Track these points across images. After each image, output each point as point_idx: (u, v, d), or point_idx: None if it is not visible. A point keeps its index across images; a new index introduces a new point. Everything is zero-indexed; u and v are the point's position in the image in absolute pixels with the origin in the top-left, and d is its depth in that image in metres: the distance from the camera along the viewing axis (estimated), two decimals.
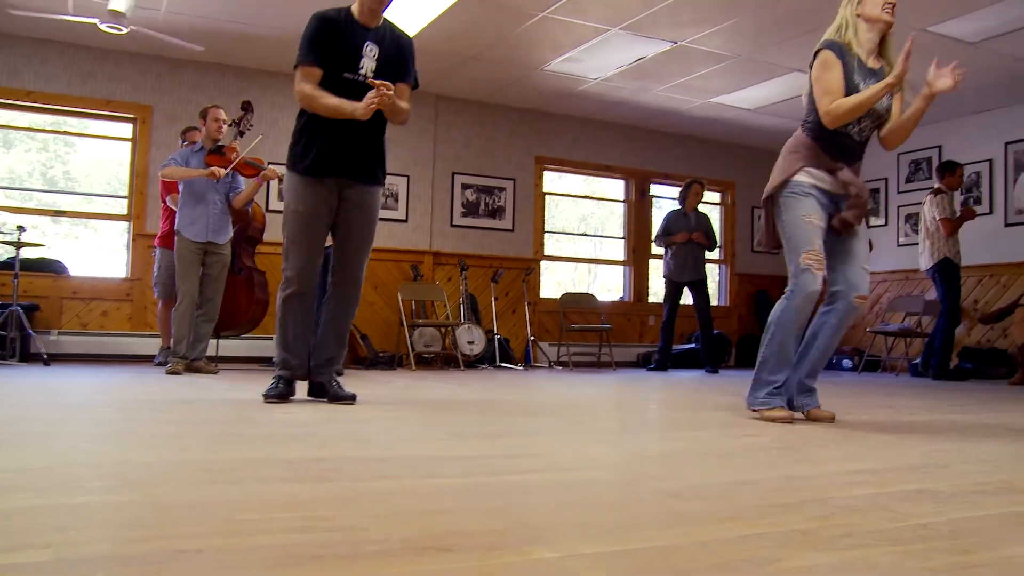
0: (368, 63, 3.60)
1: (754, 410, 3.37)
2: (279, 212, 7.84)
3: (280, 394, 3.71)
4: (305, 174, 3.61)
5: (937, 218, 7.57)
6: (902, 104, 3.37)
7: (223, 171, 5.94)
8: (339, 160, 3.62)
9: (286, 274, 3.68)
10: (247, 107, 6.32)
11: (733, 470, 2.06)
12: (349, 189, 3.68)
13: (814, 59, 3.30)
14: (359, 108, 3.44)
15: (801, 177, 3.30)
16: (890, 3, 3.22)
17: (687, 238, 8.24)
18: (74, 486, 1.66)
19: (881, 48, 3.36)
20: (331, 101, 3.49)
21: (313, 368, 3.84)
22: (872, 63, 3.31)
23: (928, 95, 3.25)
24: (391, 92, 3.42)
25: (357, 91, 3.55)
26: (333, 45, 3.55)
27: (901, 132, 3.34)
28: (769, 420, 3.25)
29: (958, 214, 7.61)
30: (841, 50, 3.24)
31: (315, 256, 3.70)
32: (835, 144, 3.28)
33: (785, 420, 3.22)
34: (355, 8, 3.62)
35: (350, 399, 3.75)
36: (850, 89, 3.20)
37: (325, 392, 3.79)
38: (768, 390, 3.33)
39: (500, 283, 9.01)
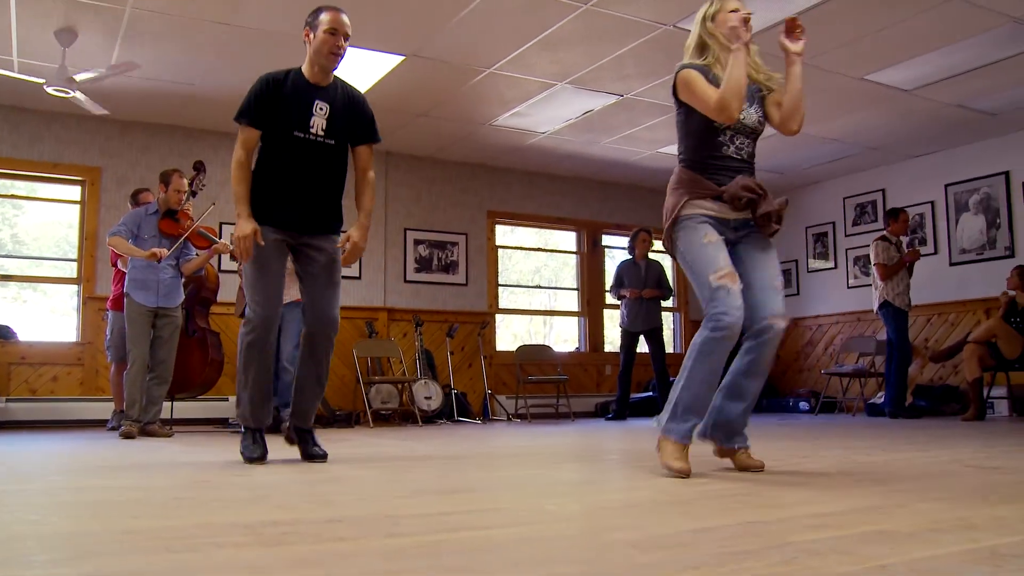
0: (318, 121, 3.62)
1: (663, 439, 3.01)
2: (231, 272, 7.84)
3: (262, 454, 3.68)
4: (268, 224, 3.60)
5: (874, 263, 7.88)
6: (779, 106, 3.18)
7: (165, 253, 5.88)
8: (290, 215, 3.63)
9: (247, 317, 3.63)
10: (199, 167, 6.30)
11: (693, 518, 2.06)
12: (305, 238, 3.68)
13: (675, 86, 3.14)
14: (244, 228, 3.53)
15: (688, 210, 3.09)
16: (743, 19, 3.03)
17: (637, 295, 8.32)
18: (19, 560, 1.61)
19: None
20: (240, 190, 3.61)
21: (294, 413, 3.82)
22: None
23: (791, 61, 3.10)
24: (351, 253, 3.69)
25: (309, 149, 3.60)
26: (279, 105, 3.58)
27: (793, 109, 3.15)
28: (665, 465, 2.94)
29: (903, 258, 7.83)
30: (702, 70, 3.09)
31: (274, 298, 3.64)
32: (715, 167, 3.09)
33: (681, 474, 2.88)
34: (305, 68, 3.65)
35: (322, 458, 3.72)
36: None
37: (304, 441, 3.78)
38: (680, 425, 2.99)
39: (455, 338, 8.99)
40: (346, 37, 3.62)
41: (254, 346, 3.61)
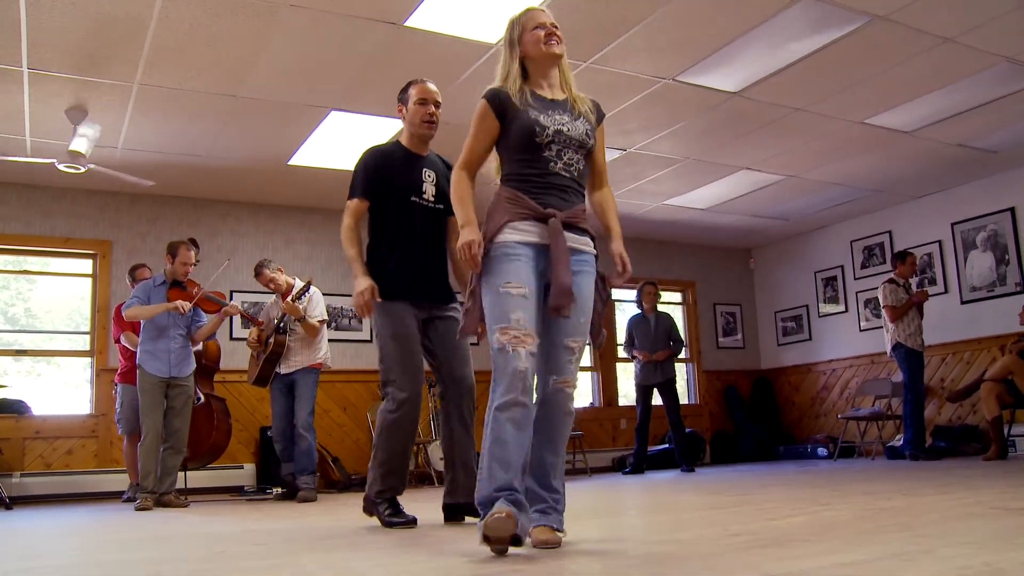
0: (428, 187, 3.74)
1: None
2: (243, 340, 7.86)
3: (409, 519, 3.61)
4: (391, 299, 3.62)
5: (883, 306, 7.92)
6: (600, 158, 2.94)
7: (188, 305, 5.96)
8: (421, 288, 3.67)
9: (392, 395, 3.57)
10: (193, 244, 6.37)
11: (716, 573, 2.04)
12: (434, 310, 3.71)
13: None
14: (362, 284, 3.56)
15: (504, 236, 2.69)
16: (549, 34, 2.82)
17: (649, 359, 8.28)
18: None
19: (560, 76, 2.92)
20: (352, 252, 3.66)
21: (459, 491, 3.71)
22: (556, 94, 2.88)
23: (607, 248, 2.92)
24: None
25: (423, 215, 3.70)
26: (392, 173, 3.70)
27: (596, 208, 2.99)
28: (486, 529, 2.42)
29: (911, 299, 7.84)
30: (503, 97, 2.79)
31: (420, 374, 3.60)
32: (538, 186, 2.75)
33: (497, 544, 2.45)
34: (404, 139, 3.82)
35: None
36: (529, 124, 2.73)
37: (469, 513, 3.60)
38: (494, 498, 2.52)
39: None
40: (437, 104, 3.74)
41: (398, 425, 3.56)
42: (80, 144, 6.15)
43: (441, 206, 3.74)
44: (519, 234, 2.69)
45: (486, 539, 2.42)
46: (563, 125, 2.78)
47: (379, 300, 3.58)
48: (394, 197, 3.66)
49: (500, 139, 2.83)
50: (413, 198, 3.67)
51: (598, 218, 3.01)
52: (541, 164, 2.76)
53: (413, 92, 3.75)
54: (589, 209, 2.93)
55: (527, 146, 2.75)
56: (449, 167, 3.81)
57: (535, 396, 2.71)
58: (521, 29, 2.86)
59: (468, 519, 3.61)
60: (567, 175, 2.79)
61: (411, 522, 3.57)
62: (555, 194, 2.76)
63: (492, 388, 2.60)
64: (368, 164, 3.72)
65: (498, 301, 2.63)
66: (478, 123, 2.81)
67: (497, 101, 2.79)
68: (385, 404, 3.60)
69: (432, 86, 3.77)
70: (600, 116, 2.96)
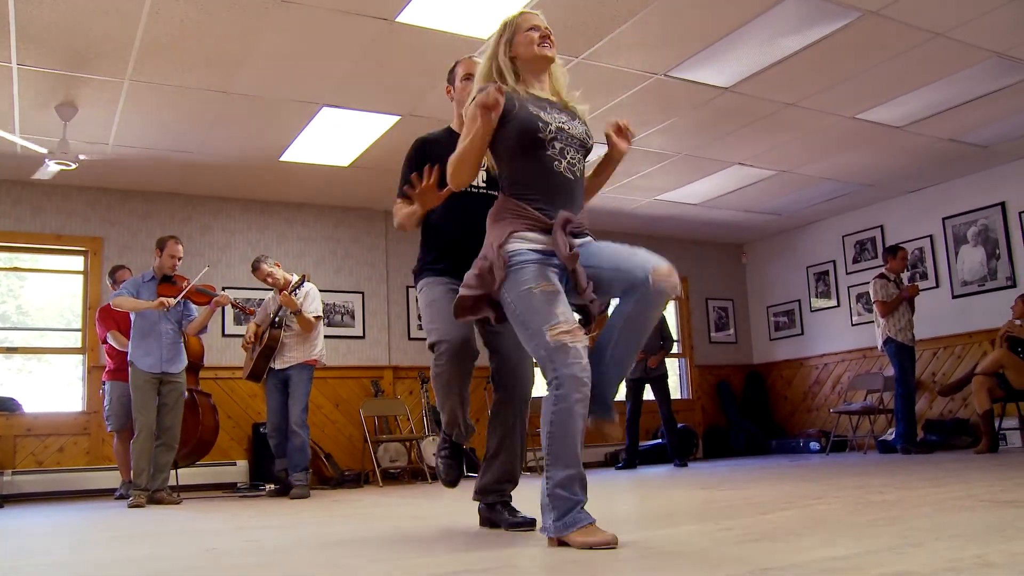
0: (481, 172, 3.43)
1: (558, 539, 2.46)
2: (236, 336, 7.86)
3: (456, 477, 3.40)
4: (440, 275, 3.33)
5: (873, 301, 7.96)
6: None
7: (172, 301, 5.95)
8: (464, 262, 3.22)
9: (437, 349, 3.19)
10: (176, 239, 6.33)
11: (709, 567, 2.04)
12: None
13: None
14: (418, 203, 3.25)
15: (512, 246, 2.65)
16: (543, 36, 2.80)
17: (642, 357, 8.20)
18: None
19: (550, 80, 2.89)
20: (401, 213, 3.38)
21: (496, 491, 3.31)
22: (546, 93, 2.85)
23: (613, 158, 2.93)
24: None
25: (475, 201, 3.35)
26: (438, 162, 3.30)
27: (591, 193, 2.96)
28: (584, 546, 2.38)
29: (901, 293, 7.86)
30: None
31: (451, 319, 3.02)
32: (542, 190, 2.69)
33: (607, 544, 2.37)
34: (455, 123, 3.52)
35: (531, 524, 3.13)
36: (531, 119, 2.67)
37: (507, 512, 3.26)
38: (568, 506, 2.46)
39: None
40: None
41: (440, 379, 3.23)
42: (47, 172, 6.14)
43: (494, 192, 3.23)
44: (526, 243, 2.64)
45: (589, 547, 2.38)
46: (563, 123, 2.73)
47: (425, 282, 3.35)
48: (441, 187, 3.27)
49: (497, 143, 2.72)
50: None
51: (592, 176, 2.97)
52: (543, 163, 2.68)
53: (459, 70, 3.47)
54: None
55: (529, 142, 2.67)
56: None
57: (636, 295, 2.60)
58: (515, 30, 2.82)
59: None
60: (570, 176, 2.72)
61: (453, 483, 3.40)
62: (560, 202, 2.68)
63: (554, 389, 2.51)
64: (410, 160, 3.44)
65: (534, 303, 2.55)
66: (471, 124, 2.66)
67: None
68: (432, 361, 3.27)
69: (478, 59, 3.30)
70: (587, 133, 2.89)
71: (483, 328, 3.11)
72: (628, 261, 2.61)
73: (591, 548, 2.36)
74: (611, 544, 2.37)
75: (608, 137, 2.91)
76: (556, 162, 2.69)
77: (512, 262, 2.61)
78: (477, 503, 3.34)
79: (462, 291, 2.73)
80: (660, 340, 8.39)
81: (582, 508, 2.47)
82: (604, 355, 2.70)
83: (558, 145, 2.70)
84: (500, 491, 3.28)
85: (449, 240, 3.37)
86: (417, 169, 3.28)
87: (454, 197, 3.25)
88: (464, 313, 2.75)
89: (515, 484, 3.31)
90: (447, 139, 3.38)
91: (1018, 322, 7.60)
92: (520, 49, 2.80)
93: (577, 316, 2.66)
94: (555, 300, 2.55)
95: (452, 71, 3.50)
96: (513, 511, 3.24)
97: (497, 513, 3.24)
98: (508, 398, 3.34)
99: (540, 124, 2.68)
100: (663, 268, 2.54)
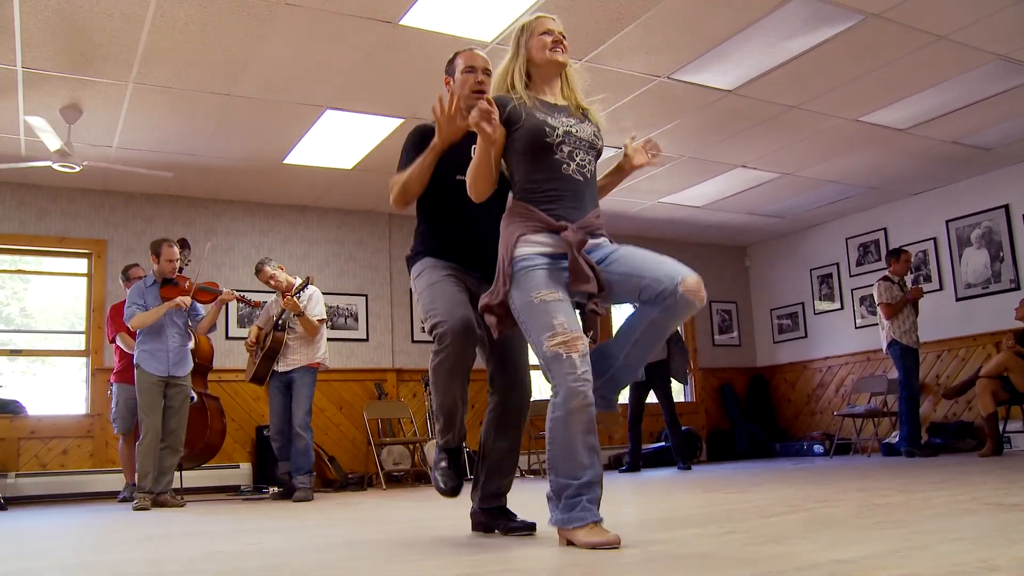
0: None
1: (566, 538, 2.55)
2: (239, 339, 7.86)
3: (456, 485, 3.19)
4: (438, 257, 3.21)
5: (877, 303, 7.94)
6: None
7: (188, 300, 5.97)
8: (472, 260, 3.18)
9: (438, 335, 3.01)
10: (184, 244, 6.36)
11: (713, 571, 2.04)
12: (486, 287, 3.02)
13: None
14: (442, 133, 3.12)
15: (521, 250, 2.67)
16: (555, 41, 2.82)
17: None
18: None
19: (563, 84, 2.94)
20: (408, 171, 3.25)
21: (492, 496, 3.24)
22: (559, 100, 2.88)
23: (623, 169, 2.96)
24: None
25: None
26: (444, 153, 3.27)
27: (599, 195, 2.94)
28: (587, 546, 2.44)
29: (906, 295, 7.86)
30: (507, 103, 2.76)
31: (457, 303, 3.01)
32: (551, 192, 2.71)
33: (610, 545, 2.42)
34: None
35: (531, 528, 3.10)
36: (538, 125, 2.71)
37: (504, 517, 3.21)
38: (574, 501, 2.51)
39: None
40: (487, 72, 3.31)
41: (442, 367, 3.05)
42: (54, 142, 6.10)
43: None
44: (534, 246, 2.67)
45: (592, 547, 2.42)
46: (571, 127, 2.76)
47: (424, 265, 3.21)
48: (439, 176, 3.28)
49: (508, 150, 2.78)
50: (459, 176, 3.22)
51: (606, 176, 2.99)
52: (553, 167, 2.71)
53: (460, 61, 3.38)
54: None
55: (538, 148, 2.71)
56: None
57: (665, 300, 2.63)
58: (529, 34, 2.85)
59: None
60: (580, 177, 2.75)
61: (451, 492, 3.19)
62: (568, 202, 2.71)
63: (553, 393, 2.55)
64: (416, 141, 3.35)
65: (535, 312, 2.59)
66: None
67: (501, 104, 2.72)
68: (432, 349, 3.10)
69: (480, 52, 3.35)
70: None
71: (498, 328, 2.93)
72: (657, 269, 2.65)
73: (594, 548, 2.40)
74: (614, 544, 2.41)
75: (625, 147, 2.93)
76: (565, 165, 2.72)
77: (519, 267, 2.65)
78: (473, 519, 3.28)
79: (484, 299, 2.75)
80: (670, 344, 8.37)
81: (585, 507, 2.49)
82: (616, 358, 2.74)
83: (566, 148, 2.72)
84: (499, 496, 3.25)
85: (447, 225, 3.30)
86: (420, 152, 3.21)
87: (451, 183, 3.20)
88: (500, 325, 2.75)
89: (509, 489, 3.27)
90: None
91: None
92: (533, 53, 2.83)
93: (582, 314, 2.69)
94: (557, 309, 2.57)
95: (452, 62, 3.43)
96: (510, 516, 3.21)
97: (495, 518, 3.21)
98: (507, 403, 3.27)
99: (547, 129, 2.71)
100: (692, 281, 2.62)
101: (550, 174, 2.72)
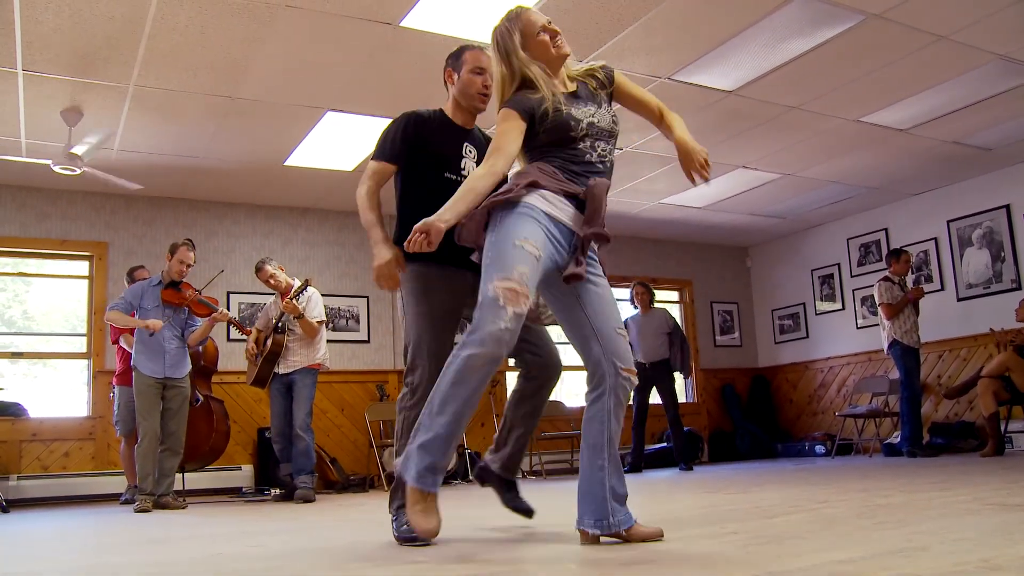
0: (469, 164, 3.32)
1: (412, 488, 2.56)
2: (239, 341, 7.85)
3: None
4: (427, 260, 3.06)
5: (878, 304, 7.95)
6: (642, 105, 3.06)
7: (159, 325, 5.93)
8: (456, 249, 2.93)
9: (410, 381, 3.03)
10: (189, 245, 6.35)
11: (715, 572, 2.04)
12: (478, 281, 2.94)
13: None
14: (382, 254, 3.15)
15: (533, 199, 2.64)
16: (555, 35, 2.81)
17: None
18: None
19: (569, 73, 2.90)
20: (369, 217, 3.26)
21: (509, 467, 3.23)
22: (568, 87, 2.85)
23: (675, 146, 2.95)
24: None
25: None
26: (427, 144, 3.27)
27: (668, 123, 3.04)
28: (414, 526, 2.53)
29: (906, 295, 7.86)
30: (524, 100, 2.73)
31: (441, 357, 2.82)
32: (575, 172, 2.73)
33: (428, 535, 2.54)
34: (449, 109, 3.38)
35: (529, 515, 3.17)
36: (563, 119, 2.70)
37: (511, 490, 3.22)
38: (425, 465, 2.55)
39: None
40: (491, 77, 3.21)
41: (410, 416, 2.95)
42: (81, 148, 6.14)
43: None
44: (549, 205, 2.65)
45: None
46: (593, 116, 2.77)
47: (404, 271, 3.18)
48: (428, 172, 3.25)
49: (529, 145, 2.77)
50: (448, 174, 3.24)
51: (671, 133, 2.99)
52: (576, 154, 2.74)
53: (468, 58, 3.30)
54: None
55: (562, 140, 2.73)
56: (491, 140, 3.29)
57: (601, 386, 2.65)
58: (522, 36, 2.79)
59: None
60: (601, 167, 2.79)
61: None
62: (586, 183, 2.73)
63: (469, 333, 2.50)
64: (405, 129, 3.26)
65: (509, 252, 2.53)
66: (502, 123, 2.72)
67: (519, 104, 2.72)
68: (403, 392, 3.06)
69: (487, 53, 3.23)
70: (610, 76, 2.93)
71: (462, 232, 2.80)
72: (611, 341, 2.67)
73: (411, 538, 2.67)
74: (429, 536, 2.54)
75: (684, 143, 2.94)
76: (588, 154, 2.76)
77: (521, 208, 2.62)
78: (477, 467, 3.29)
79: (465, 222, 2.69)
80: (674, 342, 8.36)
81: (439, 472, 2.56)
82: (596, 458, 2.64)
83: (589, 140, 2.76)
84: (514, 468, 3.24)
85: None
86: (408, 142, 3.22)
87: (446, 186, 3.13)
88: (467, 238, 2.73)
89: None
90: (439, 120, 3.33)
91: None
92: (538, 54, 2.80)
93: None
94: (526, 261, 2.53)
95: (457, 57, 3.35)
96: (518, 492, 3.22)
97: (505, 487, 3.22)
98: (543, 384, 3.23)
99: (572, 123, 2.72)
100: (632, 368, 2.68)
101: (573, 157, 2.74)
